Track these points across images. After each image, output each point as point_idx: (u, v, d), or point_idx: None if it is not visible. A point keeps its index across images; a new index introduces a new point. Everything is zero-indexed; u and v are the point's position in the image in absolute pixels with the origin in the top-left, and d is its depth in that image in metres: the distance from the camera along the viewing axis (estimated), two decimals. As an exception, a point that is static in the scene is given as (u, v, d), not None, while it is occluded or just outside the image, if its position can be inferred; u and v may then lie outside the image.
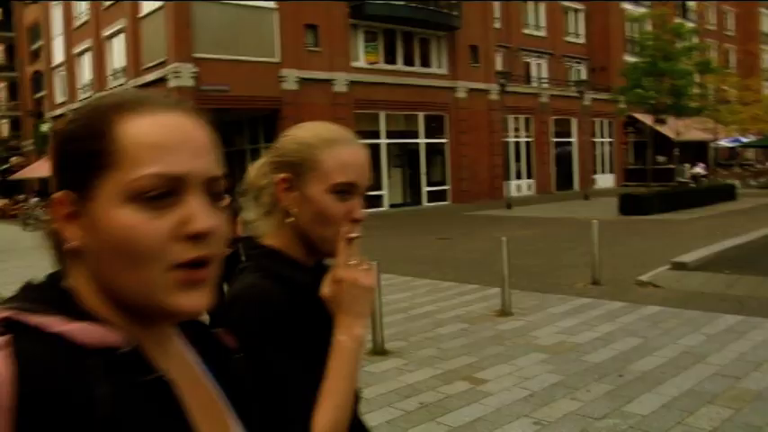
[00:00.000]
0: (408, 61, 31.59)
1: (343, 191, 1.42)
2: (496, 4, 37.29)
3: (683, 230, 17.98)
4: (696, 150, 46.67)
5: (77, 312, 0.80)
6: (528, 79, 40.14)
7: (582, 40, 44.38)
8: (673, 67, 24.58)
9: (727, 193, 28.35)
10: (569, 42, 43.41)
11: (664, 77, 25.29)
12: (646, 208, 22.76)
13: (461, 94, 32.93)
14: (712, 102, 34.23)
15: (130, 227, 0.80)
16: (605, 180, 42.24)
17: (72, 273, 0.86)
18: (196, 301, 0.84)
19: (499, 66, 36.13)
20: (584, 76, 42.97)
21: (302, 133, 1.50)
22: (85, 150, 0.83)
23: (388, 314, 8.42)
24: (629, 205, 23.15)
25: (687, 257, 11.79)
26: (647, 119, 36.70)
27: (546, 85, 39.96)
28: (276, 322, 1.34)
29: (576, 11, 44.10)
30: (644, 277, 10.79)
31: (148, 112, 0.84)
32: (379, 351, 7.28)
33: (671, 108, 26.69)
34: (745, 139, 43.21)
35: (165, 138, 0.83)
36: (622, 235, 17.33)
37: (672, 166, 40.29)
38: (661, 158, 41.04)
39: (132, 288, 0.82)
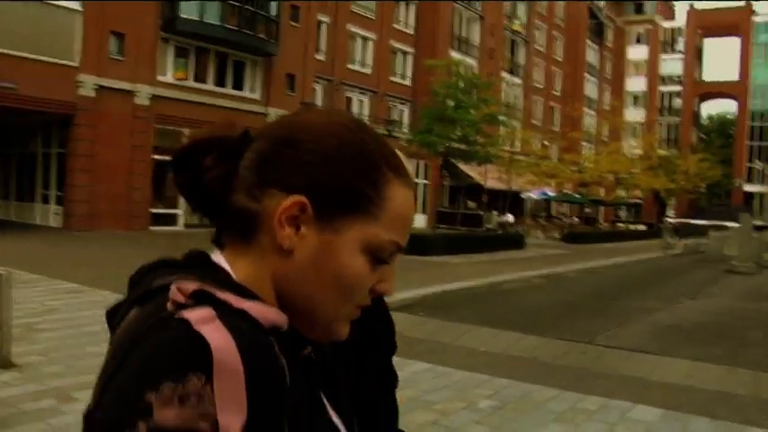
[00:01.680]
0: (220, 82, 31.14)
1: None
2: (322, 37, 37.65)
3: (438, 272, 18.40)
4: (512, 199, 48.68)
5: (241, 291, 0.84)
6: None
7: (408, 82, 45.42)
8: (461, 115, 25.52)
9: (516, 242, 29.53)
10: (395, 82, 44.34)
11: (453, 124, 26.21)
12: (425, 249, 23.22)
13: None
14: (500, 152, 35.75)
15: (358, 275, 0.90)
16: (418, 220, 43.10)
17: (242, 256, 0.91)
18: (346, 332, 0.95)
19: (319, 97, 36.29)
20: (407, 116, 43.97)
21: None
22: (355, 186, 0.89)
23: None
24: (410, 245, 23.47)
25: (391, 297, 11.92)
26: (461, 164, 37.99)
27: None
28: None
29: (405, 53, 45.19)
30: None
31: (406, 184, 0.94)
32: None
33: (459, 154, 27.68)
34: (552, 193, 45.39)
35: (409, 214, 0.94)
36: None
37: (481, 213, 41.78)
38: (472, 204, 42.48)
39: (319, 308, 0.91)
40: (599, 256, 27.36)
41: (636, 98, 79.00)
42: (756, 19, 79.19)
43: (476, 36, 49.76)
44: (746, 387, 8.34)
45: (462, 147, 27.26)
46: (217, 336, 0.75)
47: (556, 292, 16.23)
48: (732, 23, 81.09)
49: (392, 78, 44.17)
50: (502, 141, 35.83)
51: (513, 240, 29.76)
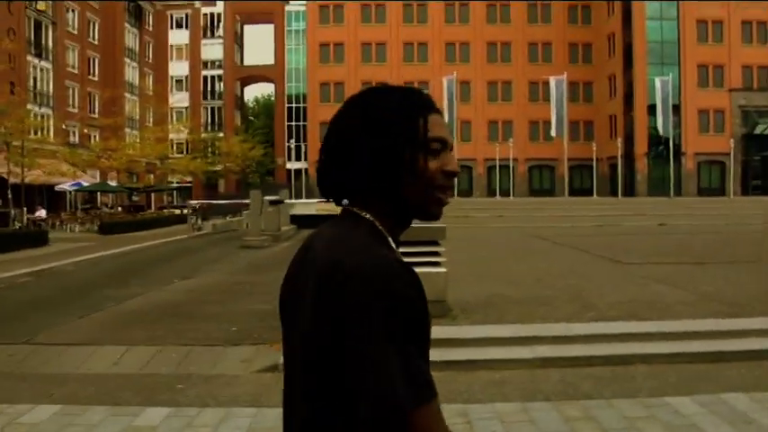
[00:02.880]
0: None
1: None
2: None
3: None
4: (51, 193, 45.58)
5: None
6: None
7: None
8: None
9: (39, 239, 27.66)
10: None
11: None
12: None
13: None
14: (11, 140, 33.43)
15: None
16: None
17: None
18: None
19: None
20: None
21: None
22: None
23: None
24: None
25: None
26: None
27: None
28: None
29: None
30: None
31: None
32: None
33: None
34: (86, 183, 43.56)
35: None
36: None
37: (7, 210, 38.54)
38: (-5, 201, 38.98)
39: None
40: (125, 243, 26.78)
41: (179, 82, 79.34)
42: (288, 8, 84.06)
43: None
44: (169, 365, 8.41)
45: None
46: None
47: (34, 289, 15.28)
48: (267, 11, 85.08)
49: None
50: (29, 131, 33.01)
51: (34, 238, 27.85)
